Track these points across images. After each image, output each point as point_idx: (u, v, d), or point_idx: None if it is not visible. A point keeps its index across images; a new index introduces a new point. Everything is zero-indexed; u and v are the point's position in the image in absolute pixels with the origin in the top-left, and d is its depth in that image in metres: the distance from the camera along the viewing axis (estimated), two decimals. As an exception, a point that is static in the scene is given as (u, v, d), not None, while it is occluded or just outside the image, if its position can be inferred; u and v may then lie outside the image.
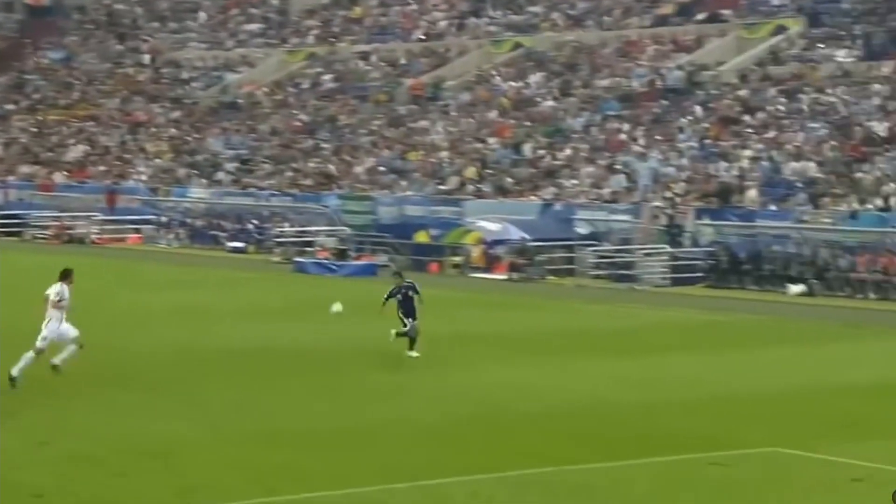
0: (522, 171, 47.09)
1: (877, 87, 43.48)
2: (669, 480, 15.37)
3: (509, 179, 46.80)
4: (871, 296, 35.05)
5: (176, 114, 64.72)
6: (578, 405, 19.98)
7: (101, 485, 14.98)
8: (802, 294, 35.68)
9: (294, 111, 60.01)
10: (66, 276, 20.70)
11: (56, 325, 20.38)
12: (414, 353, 23.79)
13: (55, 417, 18.70)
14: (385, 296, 24.44)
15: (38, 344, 20.17)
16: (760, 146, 42.59)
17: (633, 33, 54.34)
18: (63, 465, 15.85)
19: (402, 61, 60.79)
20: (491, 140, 50.34)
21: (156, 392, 20.73)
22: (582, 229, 42.17)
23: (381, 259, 43.68)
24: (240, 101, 63.15)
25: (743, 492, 14.88)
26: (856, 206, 37.58)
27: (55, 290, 20.40)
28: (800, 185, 39.96)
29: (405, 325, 23.96)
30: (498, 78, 55.53)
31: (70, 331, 20.53)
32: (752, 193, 40.16)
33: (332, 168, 52.96)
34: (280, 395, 20.48)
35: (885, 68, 44.66)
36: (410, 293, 24.21)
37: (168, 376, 22.11)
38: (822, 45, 48.10)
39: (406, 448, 16.99)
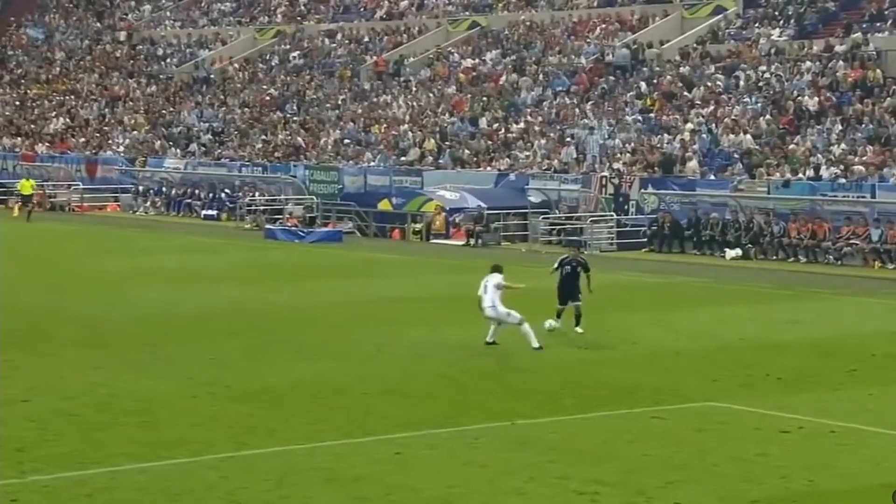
0: (479, 144, 47.00)
1: (808, 64, 43.63)
2: (614, 432, 15.45)
3: (466, 151, 46.71)
4: (802, 259, 35.32)
5: (152, 88, 64.13)
6: (528, 362, 20.04)
7: (80, 439, 14.90)
8: (738, 258, 35.91)
9: (264, 86, 59.57)
10: (498, 269, 21.42)
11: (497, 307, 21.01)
12: (579, 329, 22.32)
13: (36, 377, 18.57)
14: (555, 264, 23.08)
15: (512, 319, 20.83)
16: (700, 119, 42.70)
17: (582, 13, 54.24)
18: (43, 421, 15.76)
19: (366, 39, 60.44)
20: (449, 114, 50.20)
21: (132, 352, 20.60)
22: (534, 198, 42.21)
23: (346, 226, 43.57)
24: (212, 76, 62.61)
25: (681, 443, 14.99)
26: (788, 175, 37.79)
27: (496, 280, 21.07)
28: (737, 155, 40.13)
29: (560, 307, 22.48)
30: (455, 55, 55.32)
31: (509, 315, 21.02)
32: (693, 164, 40.30)
33: (299, 140, 52.68)
34: (250, 355, 20.41)
35: (816, 47, 44.81)
36: (579, 269, 22.48)
37: (144, 337, 21.97)
38: (758, 25, 48.19)
39: (368, 404, 16.98)
